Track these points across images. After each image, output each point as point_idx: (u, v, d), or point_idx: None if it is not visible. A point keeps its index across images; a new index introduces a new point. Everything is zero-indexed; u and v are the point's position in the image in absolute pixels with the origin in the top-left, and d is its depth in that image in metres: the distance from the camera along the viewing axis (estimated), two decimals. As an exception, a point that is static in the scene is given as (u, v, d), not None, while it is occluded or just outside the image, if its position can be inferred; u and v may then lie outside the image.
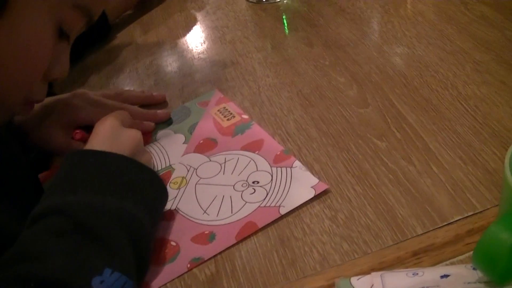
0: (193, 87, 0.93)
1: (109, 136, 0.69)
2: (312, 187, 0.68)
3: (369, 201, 0.65)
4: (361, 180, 0.68)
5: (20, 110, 0.73)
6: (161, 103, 0.92)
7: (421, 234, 0.60)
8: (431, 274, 0.52)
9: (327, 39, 0.96)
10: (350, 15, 1.01)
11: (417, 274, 0.53)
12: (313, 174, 0.70)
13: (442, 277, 0.52)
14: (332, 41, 0.95)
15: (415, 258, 0.58)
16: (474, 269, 0.51)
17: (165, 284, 0.63)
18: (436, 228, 0.60)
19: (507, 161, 0.47)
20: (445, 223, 0.61)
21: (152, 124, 0.86)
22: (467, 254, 0.57)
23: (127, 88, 0.99)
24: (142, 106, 0.90)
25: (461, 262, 0.57)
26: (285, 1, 1.10)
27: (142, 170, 0.67)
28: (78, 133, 0.76)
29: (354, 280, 0.55)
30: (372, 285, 0.53)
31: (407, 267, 0.57)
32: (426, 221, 0.61)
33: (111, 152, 0.66)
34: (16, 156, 0.81)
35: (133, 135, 0.70)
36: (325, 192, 0.68)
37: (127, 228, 0.59)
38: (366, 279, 0.54)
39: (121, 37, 1.16)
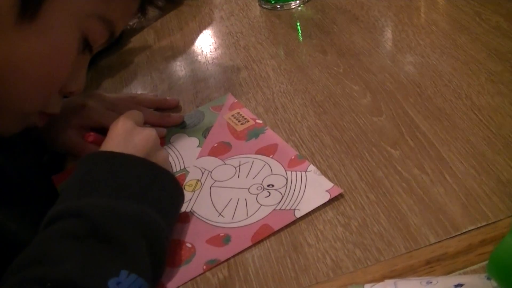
0: (207, 92, 0.93)
1: (124, 137, 0.69)
2: (327, 190, 0.68)
3: (382, 209, 0.66)
4: (374, 187, 0.69)
5: (35, 121, 0.74)
6: (175, 107, 0.92)
7: (434, 243, 0.60)
8: (444, 283, 0.52)
9: (341, 47, 0.96)
10: (364, 23, 1.01)
11: (431, 282, 0.53)
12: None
13: (456, 286, 0.52)
14: (346, 49, 0.95)
15: (428, 267, 0.58)
16: (488, 279, 0.51)
17: (179, 286, 0.63)
18: (449, 237, 0.61)
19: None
20: (458, 233, 0.61)
21: (164, 130, 0.86)
22: (480, 264, 0.57)
23: (140, 92, 1.00)
24: (156, 110, 0.91)
25: (474, 272, 0.57)
26: (299, 8, 1.11)
27: (158, 172, 0.67)
28: (91, 136, 0.76)
29: (367, 287, 0.55)
30: (386, 292, 0.53)
31: (419, 276, 0.58)
32: (439, 230, 0.62)
33: (127, 153, 0.66)
34: (29, 159, 0.82)
35: (148, 134, 0.71)
36: (338, 199, 0.68)
37: (143, 230, 0.59)
38: (380, 286, 0.55)
39: (135, 42, 1.16)
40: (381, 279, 0.57)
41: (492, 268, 0.48)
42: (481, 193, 0.65)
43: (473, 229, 0.61)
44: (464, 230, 0.61)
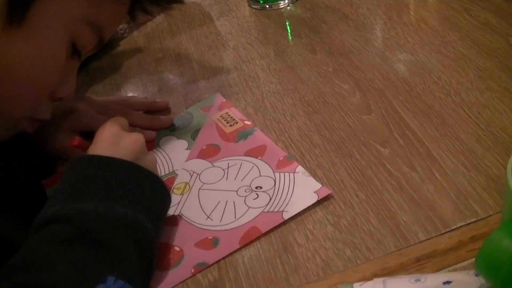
0: (197, 94, 0.93)
1: (111, 141, 0.68)
2: (315, 192, 0.68)
3: (372, 207, 0.66)
4: (364, 186, 0.68)
5: (25, 126, 0.73)
6: (165, 109, 0.92)
7: (424, 240, 0.60)
8: (433, 280, 0.52)
9: (330, 45, 0.96)
10: (353, 21, 1.01)
11: (420, 280, 0.53)
12: (316, 180, 0.70)
13: (444, 283, 0.51)
14: (335, 47, 0.95)
15: (418, 264, 0.58)
16: (476, 275, 0.51)
17: (175, 286, 0.63)
18: (439, 234, 0.61)
19: (509, 168, 0.47)
20: (448, 230, 0.61)
21: (154, 133, 0.85)
22: (470, 261, 0.57)
23: (130, 95, 1.00)
24: (146, 112, 0.90)
25: (464, 268, 0.57)
26: (288, 8, 1.10)
27: (145, 175, 0.67)
28: (76, 140, 0.75)
29: (356, 286, 0.55)
30: (375, 291, 0.53)
31: (409, 273, 0.57)
32: (429, 227, 0.61)
33: (114, 157, 0.66)
34: (20, 162, 0.82)
35: (135, 138, 0.70)
36: (328, 198, 0.68)
37: (132, 235, 0.59)
38: (369, 285, 0.54)
39: (125, 45, 1.16)
40: (371, 277, 0.57)
41: (480, 264, 0.48)
42: (471, 189, 0.64)
43: (463, 226, 0.61)
44: (454, 227, 0.61)
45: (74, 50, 0.69)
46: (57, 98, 0.73)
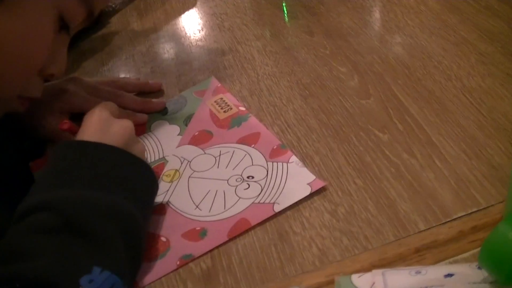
0: (191, 75, 0.91)
1: (99, 127, 0.66)
2: (308, 184, 0.66)
3: (370, 195, 0.64)
4: (362, 173, 0.67)
5: (15, 106, 0.71)
6: (157, 91, 0.89)
7: (424, 230, 0.59)
8: (434, 273, 0.51)
9: (328, 27, 0.94)
10: (351, 3, 0.99)
11: (420, 272, 0.51)
12: (312, 166, 0.69)
13: (446, 276, 0.50)
14: (333, 29, 0.93)
15: (417, 255, 0.57)
16: (479, 268, 0.50)
17: (160, 278, 0.61)
18: (439, 224, 0.59)
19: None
20: (449, 219, 0.59)
21: (145, 116, 0.83)
22: (471, 252, 0.56)
23: (122, 75, 0.97)
24: (138, 94, 0.88)
25: (465, 259, 0.55)
26: (285, -12, 1.08)
27: (133, 162, 0.65)
28: (66, 123, 0.73)
29: (355, 278, 0.53)
30: (374, 283, 0.52)
31: (409, 264, 0.56)
32: (429, 216, 0.60)
33: (100, 142, 0.64)
34: (8, 146, 0.80)
35: (124, 125, 0.68)
36: (324, 186, 0.66)
37: (118, 223, 0.57)
38: (367, 276, 0.53)
39: (117, 23, 1.13)
40: (370, 268, 0.56)
41: (484, 257, 0.46)
42: (472, 178, 0.63)
43: (464, 216, 0.59)
44: (455, 217, 0.59)
45: (63, 24, 0.68)
46: (47, 74, 0.71)
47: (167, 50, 1.00)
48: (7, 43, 0.63)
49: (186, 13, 1.10)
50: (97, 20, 1.13)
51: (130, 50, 1.03)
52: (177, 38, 1.03)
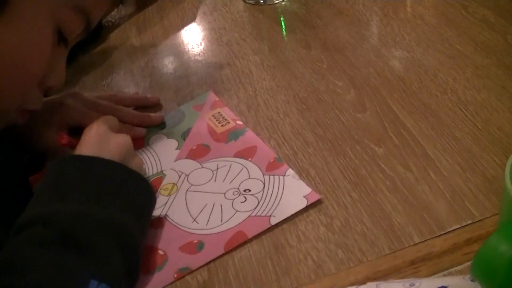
0: (189, 90, 0.91)
1: (97, 142, 0.67)
2: (304, 196, 0.66)
3: (366, 208, 0.64)
4: (357, 186, 0.67)
5: (15, 118, 0.72)
6: (155, 105, 0.90)
7: (419, 242, 0.59)
8: (428, 285, 0.51)
9: (325, 41, 0.94)
10: (348, 17, 0.99)
11: (414, 285, 0.51)
12: (308, 179, 0.69)
13: (439, 288, 0.50)
14: (330, 43, 0.93)
15: (412, 267, 0.57)
16: (472, 280, 0.50)
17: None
18: (434, 236, 0.59)
19: (507, 171, 0.46)
20: (443, 232, 0.59)
21: (144, 130, 0.84)
22: (465, 264, 0.56)
23: (121, 90, 0.98)
24: (136, 108, 0.89)
25: (459, 272, 0.55)
26: (283, 3, 1.09)
27: (130, 176, 0.65)
28: (64, 138, 0.74)
29: (349, 290, 0.53)
30: (368, 295, 0.52)
31: (404, 277, 0.56)
32: (423, 229, 0.60)
33: (97, 157, 0.64)
34: (8, 160, 0.80)
35: (122, 140, 0.69)
36: (320, 199, 0.66)
37: (115, 237, 0.57)
38: (361, 289, 0.53)
39: (116, 38, 1.14)
40: (365, 280, 0.56)
41: (476, 270, 0.46)
42: (467, 190, 0.63)
43: (458, 228, 0.59)
44: (449, 229, 0.60)
45: (61, 36, 0.68)
46: (47, 87, 0.72)
47: (165, 65, 1.01)
48: (6, 56, 0.63)
49: (185, 28, 1.11)
50: (97, 35, 1.14)
51: (129, 64, 1.04)
52: (176, 52, 1.04)
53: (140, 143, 0.81)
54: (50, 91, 0.74)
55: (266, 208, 0.67)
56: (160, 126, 0.85)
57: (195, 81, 0.93)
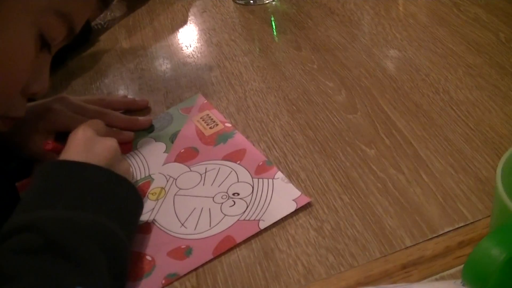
0: (178, 92, 0.90)
1: (83, 146, 0.66)
2: (293, 200, 0.65)
3: (357, 211, 0.63)
4: (348, 189, 0.66)
5: None
6: (144, 108, 0.89)
7: (410, 246, 0.58)
8: (419, 290, 0.50)
9: (315, 42, 0.93)
10: (339, 17, 0.98)
11: (405, 290, 0.50)
12: (298, 182, 0.68)
13: (430, 293, 0.49)
14: (321, 44, 0.92)
15: (404, 272, 0.56)
16: (463, 285, 0.49)
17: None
18: (426, 240, 0.58)
19: (499, 172, 0.45)
20: (435, 235, 0.58)
21: (132, 134, 0.83)
22: (457, 268, 0.55)
23: (111, 93, 0.97)
24: (125, 112, 0.87)
25: (452, 276, 0.54)
26: (273, 3, 1.08)
27: (117, 181, 0.64)
28: (49, 144, 0.73)
29: (338, 296, 0.52)
30: (358, 301, 0.51)
31: (395, 281, 0.55)
32: (415, 232, 0.59)
33: (83, 162, 0.63)
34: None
35: (108, 144, 0.68)
36: (310, 202, 0.65)
37: (102, 243, 0.56)
38: (352, 295, 0.52)
39: (105, 40, 1.13)
40: (355, 285, 0.55)
41: (467, 274, 0.45)
42: (459, 192, 0.62)
43: (450, 231, 0.59)
44: (441, 232, 0.59)
45: (44, 42, 0.67)
46: (30, 93, 0.71)
47: (155, 67, 1.00)
48: None
49: (175, 30, 1.10)
50: (86, 38, 1.12)
51: (119, 67, 1.02)
52: (165, 55, 1.02)
53: (128, 147, 0.80)
54: (34, 97, 0.73)
55: (255, 212, 0.66)
56: (148, 129, 0.83)
57: (184, 84, 0.92)
